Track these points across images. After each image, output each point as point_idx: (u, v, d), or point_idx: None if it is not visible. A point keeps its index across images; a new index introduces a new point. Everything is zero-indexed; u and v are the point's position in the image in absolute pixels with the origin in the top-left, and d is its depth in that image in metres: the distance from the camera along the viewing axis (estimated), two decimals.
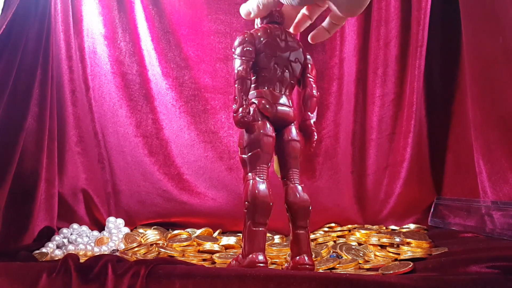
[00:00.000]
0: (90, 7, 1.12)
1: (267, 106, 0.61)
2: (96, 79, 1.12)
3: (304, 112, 0.66)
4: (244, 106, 0.60)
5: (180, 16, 1.17)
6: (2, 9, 0.84)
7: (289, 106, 0.63)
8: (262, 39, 0.63)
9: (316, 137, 0.65)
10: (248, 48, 0.61)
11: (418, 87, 1.07)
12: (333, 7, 0.59)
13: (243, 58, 0.61)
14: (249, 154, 0.61)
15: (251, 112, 0.61)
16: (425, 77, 1.07)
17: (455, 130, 1.04)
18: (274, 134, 0.62)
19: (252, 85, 0.63)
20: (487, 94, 0.84)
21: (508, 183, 0.78)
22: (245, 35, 0.63)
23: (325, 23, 0.65)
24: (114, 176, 1.11)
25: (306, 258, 0.59)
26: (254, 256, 0.57)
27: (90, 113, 1.10)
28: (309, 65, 0.66)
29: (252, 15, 0.64)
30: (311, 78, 0.66)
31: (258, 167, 0.60)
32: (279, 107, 0.62)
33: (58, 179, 0.98)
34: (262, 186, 0.59)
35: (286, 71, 0.63)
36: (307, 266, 0.59)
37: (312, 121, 0.65)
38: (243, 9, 0.65)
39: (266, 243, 0.83)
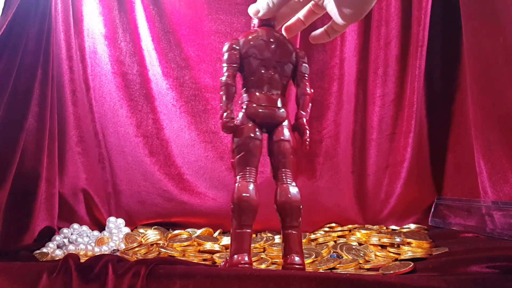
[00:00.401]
0: (91, 7, 1.12)
1: (254, 109, 0.62)
2: (97, 79, 1.12)
3: (298, 110, 0.65)
4: (228, 111, 0.61)
5: (181, 16, 1.17)
6: (3, 9, 0.84)
7: (277, 107, 0.63)
8: (248, 43, 0.64)
9: (308, 134, 0.64)
10: (231, 54, 0.63)
11: (418, 87, 1.07)
12: (333, 15, 0.59)
13: (228, 64, 0.63)
14: (237, 157, 0.62)
15: (238, 117, 0.62)
16: (425, 77, 1.07)
17: (455, 130, 1.04)
18: (261, 137, 0.62)
19: (244, 89, 0.65)
20: (488, 94, 0.84)
21: (508, 183, 0.78)
22: (232, 41, 0.64)
23: (326, 27, 0.65)
24: (115, 176, 1.12)
25: (295, 257, 0.59)
26: (238, 257, 0.57)
27: (90, 113, 1.10)
28: (302, 64, 0.66)
29: (260, 14, 0.64)
30: (303, 76, 0.66)
31: (245, 170, 0.61)
32: (266, 109, 0.62)
33: (59, 179, 0.98)
34: (247, 188, 0.60)
35: (275, 72, 0.63)
36: (296, 266, 0.58)
37: (304, 119, 0.64)
38: (252, 8, 0.65)
39: (265, 244, 0.83)
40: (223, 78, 0.62)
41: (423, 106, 1.08)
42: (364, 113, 1.14)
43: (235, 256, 0.58)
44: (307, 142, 0.64)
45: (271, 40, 0.64)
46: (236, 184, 0.61)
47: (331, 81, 1.14)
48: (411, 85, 1.08)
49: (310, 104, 0.66)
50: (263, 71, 0.63)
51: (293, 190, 0.61)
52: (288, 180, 0.62)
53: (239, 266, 0.57)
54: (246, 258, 0.58)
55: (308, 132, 0.64)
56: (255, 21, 0.67)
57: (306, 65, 0.66)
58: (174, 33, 1.17)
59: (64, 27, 1.04)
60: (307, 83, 0.66)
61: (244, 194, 0.59)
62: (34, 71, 0.88)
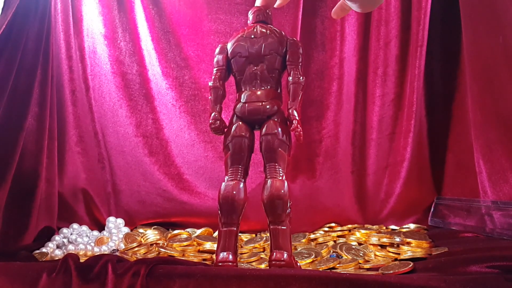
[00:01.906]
0: (90, 7, 1.12)
1: (240, 106, 0.63)
2: (96, 79, 1.12)
3: (288, 101, 0.63)
4: (215, 113, 0.63)
5: (180, 16, 1.17)
6: (2, 9, 0.84)
7: (263, 101, 0.62)
8: (233, 43, 0.65)
9: (295, 124, 0.59)
10: (218, 58, 0.66)
11: (418, 86, 1.07)
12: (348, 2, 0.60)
13: (216, 67, 0.66)
14: (225, 157, 0.63)
15: (230, 118, 0.64)
16: (425, 76, 1.07)
17: (455, 129, 1.04)
18: (249, 134, 0.62)
19: (236, 89, 0.66)
20: (488, 94, 0.84)
21: (508, 182, 0.78)
22: (222, 44, 0.66)
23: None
24: (114, 176, 1.12)
25: (276, 254, 0.57)
26: (220, 255, 0.58)
27: (90, 113, 1.10)
28: (290, 52, 0.64)
29: (258, 3, 0.65)
30: (292, 64, 0.63)
31: (232, 169, 0.62)
32: (251, 105, 0.62)
33: (58, 178, 0.98)
34: (231, 187, 0.60)
35: (263, 67, 0.63)
36: (275, 262, 0.57)
37: (292, 109, 0.61)
38: None
39: (265, 244, 0.83)
40: (210, 83, 0.65)
41: (422, 106, 1.08)
42: (364, 113, 1.14)
43: (220, 254, 0.59)
44: (296, 133, 0.60)
45: (257, 36, 0.64)
46: (222, 183, 0.61)
47: (331, 81, 1.14)
48: (410, 85, 1.08)
49: (301, 93, 0.62)
50: (249, 68, 0.63)
51: (279, 184, 0.59)
52: (274, 174, 0.60)
53: (218, 264, 0.58)
54: (231, 257, 0.58)
55: (296, 122, 0.60)
56: (250, 19, 0.67)
57: (298, 52, 0.64)
58: (173, 33, 1.17)
59: (64, 27, 1.04)
60: (297, 72, 0.63)
61: (222, 193, 0.60)
62: (33, 71, 0.88)
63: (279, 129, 0.61)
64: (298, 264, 0.63)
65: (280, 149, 0.61)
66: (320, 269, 0.67)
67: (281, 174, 0.60)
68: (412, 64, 1.08)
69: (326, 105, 1.14)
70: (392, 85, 1.11)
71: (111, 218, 1.02)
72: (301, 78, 0.63)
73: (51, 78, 0.94)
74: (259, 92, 0.63)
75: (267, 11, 0.68)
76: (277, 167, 0.61)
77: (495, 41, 0.80)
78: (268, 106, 0.62)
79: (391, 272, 0.62)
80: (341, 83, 1.14)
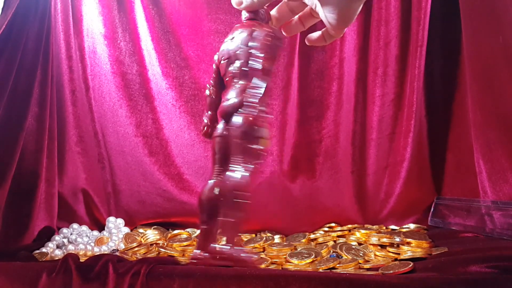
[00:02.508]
0: (90, 7, 1.12)
1: (219, 106, 0.63)
2: (96, 79, 1.12)
3: None
4: (205, 119, 0.65)
5: (180, 16, 1.17)
6: (2, 9, 0.84)
7: (227, 99, 0.60)
8: (221, 48, 0.64)
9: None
10: (213, 65, 0.66)
11: (418, 86, 1.07)
12: (324, 21, 0.59)
13: (212, 75, 0.67)
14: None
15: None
16: (425, 76, 1.07)
17: (455, 129, 1.04)
18: (222, 132, 0.61)
19: None
20: (488, 94, 0.84)
21: (508, 182, 0.78)
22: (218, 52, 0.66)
23: (323, 30, 0.64)
24: (114, 176, 1.12)
25: (196, 251, 0.60)
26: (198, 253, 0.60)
27: (90, 113, 1.10)
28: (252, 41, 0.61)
29: (242, 6, 0.61)
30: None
31: (213, 170, 0.62)
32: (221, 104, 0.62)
33: (58, 179, 0.98)
34: (206, 187, 0.61)
35: (238, 63, 0.60)
36: (195, 260, 0.59)
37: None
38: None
39: (265, 244, 0.83)
40: (206, 91, 0.66)
41: (422, 106, 1.08)
42: (364, 113, 1.14)
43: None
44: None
45: (235, 35, 0.62)
46: None
47: (331, 81, 1.14)
48: (410, 85, 1.08)
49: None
50: (228, 66, 0.61)
51: (214, 185, 0.61)
52: (213, 177, 0.62)
53: (194, 262, 0.59)
54: (200, 255, 0.59)
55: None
56: (244, 17, 0.66)
57: (261, 40, 0.60)
58: (173, 33, 1.17)
59: (64, 26, 1.04)
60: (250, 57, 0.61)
61: (200, 193, 0.62)
62: (33, 71, 0.88)
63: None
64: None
65: (222, 151, 0.62)
66: (320, 269, 0.67)
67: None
68: (412, 64, 1.08)
69: (326, 105, 1.14)
70: (392, 85, 1.11)
71: (111, 218, 1.02)
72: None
73: (51, 78, 0.94)
74: (235, 89, 0.62)
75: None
76: (219, 168, 0.62)
77: (495, 41, 0.80)
78: (229, 104, 0.61)
79: (391, 272, 0.62)
80: (341, 83, 1.14)
